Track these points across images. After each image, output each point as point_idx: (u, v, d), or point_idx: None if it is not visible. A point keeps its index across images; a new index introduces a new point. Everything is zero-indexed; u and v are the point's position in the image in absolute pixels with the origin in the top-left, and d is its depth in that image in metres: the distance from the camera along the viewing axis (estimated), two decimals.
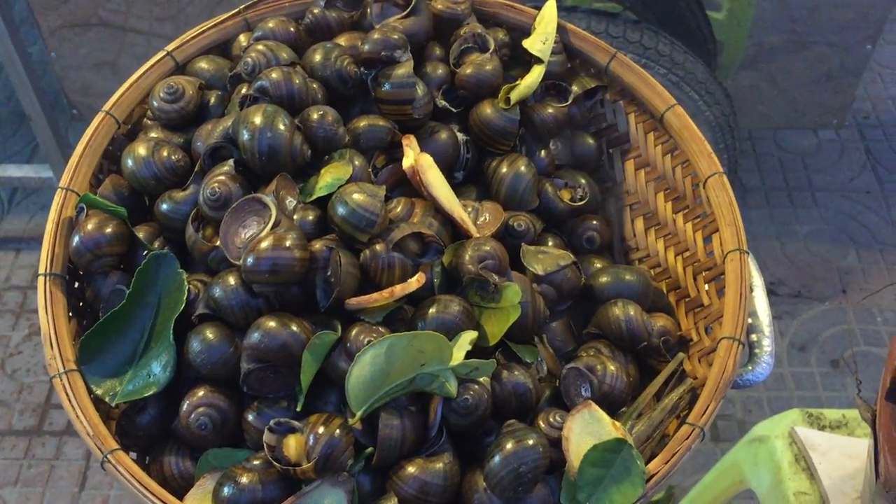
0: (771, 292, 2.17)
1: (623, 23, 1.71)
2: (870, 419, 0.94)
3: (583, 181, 0.96)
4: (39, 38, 1.91)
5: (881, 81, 2.66)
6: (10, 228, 2.26)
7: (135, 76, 0.92)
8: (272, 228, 0.77)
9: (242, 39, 0.96)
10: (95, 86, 1.99)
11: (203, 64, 0.94)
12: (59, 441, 1.89)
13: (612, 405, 0.80)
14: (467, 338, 0.76)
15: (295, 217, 0.81)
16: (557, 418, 0.77)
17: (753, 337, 0.89)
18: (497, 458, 0.73)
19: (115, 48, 1.91)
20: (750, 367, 0.87)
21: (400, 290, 0.77)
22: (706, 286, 0.90)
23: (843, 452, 1.11)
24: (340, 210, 0.79)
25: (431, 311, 0.78)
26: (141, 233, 0.85)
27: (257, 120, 0.81)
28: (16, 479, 1.84)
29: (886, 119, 2.57)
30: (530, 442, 0.73)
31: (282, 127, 0.81)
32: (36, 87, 1.98)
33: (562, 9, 1.70)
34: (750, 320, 0.90)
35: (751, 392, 2.01)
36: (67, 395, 0.76)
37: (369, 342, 0.74)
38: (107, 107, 0.90)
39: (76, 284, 0.86)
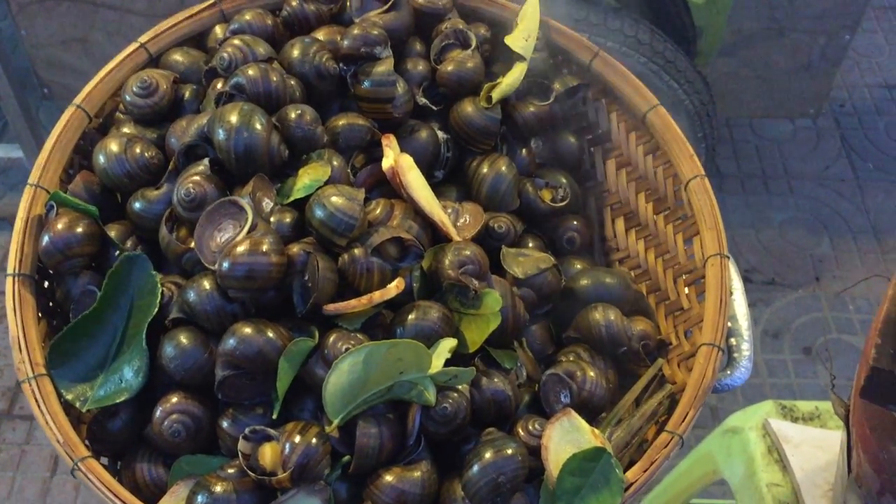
0: (745, 279, 2.18)
1: (604, 10, 1.70)
2: (843, 415, 0.94)
3: (564, 181, 0.95)
4: (9, 14, 1.86)
5: (857, 70, 2.67)
6: None
7: (107, 68, 0.90)
8: (248, 232, 0.75)
9: (218, 31, 0.94)
10: (66, 64, 1.94)
11: (177, 56, 0.92)
12: (29, 425, 1.87)
13: (592, 411, 0.80)
14: (446, 346, 0.75)
15: (272, 219, 0.79)
16: (536, 426, 0.77)
17: (732, 341, 0.89)
18: (475, 468, 0.72)
19: (87, 24, 1.87)
20: (728, 372, 0.87)
21: (379, 296, 0.76)
22: (686, 289, 0.90)
23: (815, 444, 1.11)
24: (318, 213, 0.77)
25: (410, 317, 0.77)
26: (113, 231, 0.83)
27: (233, 119, 0.79)
28: None
29: (862, 107, 2.58)
30: (509, 451, 0.73)
31: (258, 126, 0.79)
32: (5, 65, 1.93)
33: None
34: (729, 324, 0.89)
35: None
36: (37, 400, 0.74)
37: (347, 350, 0.73)
38: (77, 100, 0.87)
39: (46, 284, 0.84)
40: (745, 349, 0.88)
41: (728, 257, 0.85)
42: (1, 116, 2.25)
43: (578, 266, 0.92)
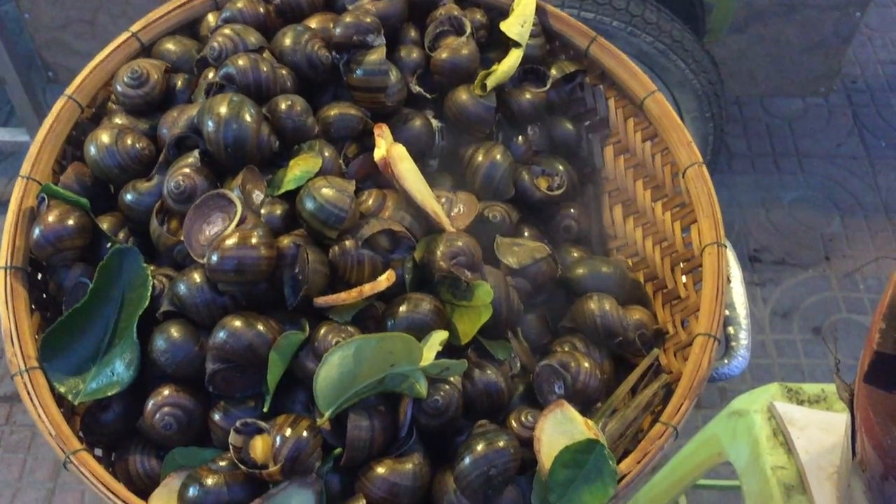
0: (755, 259, 2.17)
1: None
2: (847, 399, 0.94)
3: (561, 168, 0.94)
4: None
5: (870, 45, 2.63)
6: None
7: (98, 58, 0.89)
8: (237, 225, 0.75)
9: (210, 19, 0.93)
10: (71, 46, 1.94)
11: (169, 45, 0.91)
12: None
13: (586, 402, 0.80)
14: (438, 338, 0.74)
15: (262, 211, 0.78)
16: (529, 418, 0.77)
17: (730, 329, 0.88)
18: (467, 461, 0.72)
19: (91, 6, 1.86)
20: (726, 361, 0.87)
21: (369, 289, 0.75)
22: (683, 278, 0.89)
23: (820, 427, 1.11)
24: (309, 205, 0.77)
25: (402, 309, 0.76)
26: (105, 223, 0.83)
27: (223, 110, 0.78)
28: None
29: (874, 84, 2.54)
30: (501, 444, 0.73)
31: (248, 118, 0.78)
32: (10, 48, 1.93)
33: None
34: (727, 312, 0.89)
35: None
36: (29, 393, 0.75)
37: (337, 343, 0.72)
38: (69, 91, 0.87)
39: (39, 276, 0.84)
40: (743, 338, 0.87)
41: (725, 246, 0.84)
42: (6, 101, 2.25)
43: (575, 255, 0.91)
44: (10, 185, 2.23)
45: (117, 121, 0.87)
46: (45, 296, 0.84)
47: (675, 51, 1.75)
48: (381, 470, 0.72)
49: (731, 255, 0.89)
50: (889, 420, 0.84)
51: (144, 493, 0.74)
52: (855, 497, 0.95)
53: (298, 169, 0.79)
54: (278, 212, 0.79)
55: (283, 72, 0.85)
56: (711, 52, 1.87)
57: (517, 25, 0.92)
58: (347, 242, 0.77)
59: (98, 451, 0.79)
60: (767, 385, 1.18)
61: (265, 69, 0.82)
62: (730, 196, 2.25)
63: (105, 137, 0.83)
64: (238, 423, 0.73)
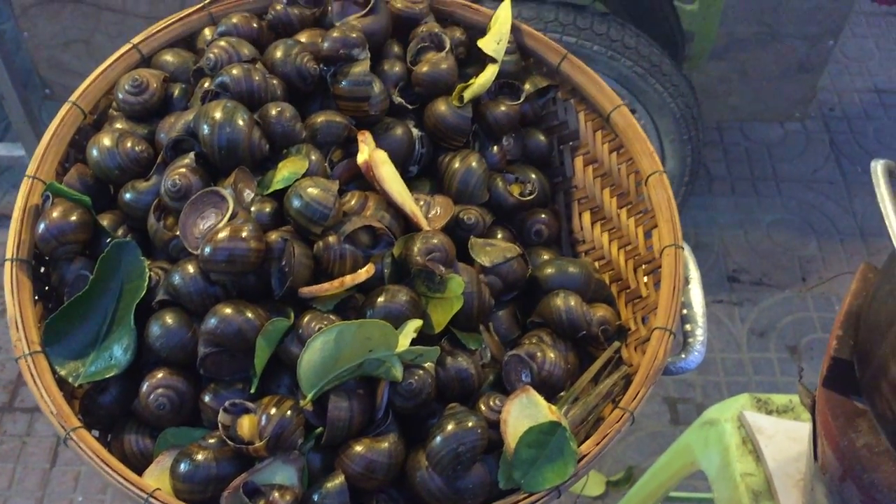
0: (733, 279, 2.23)
1: (591, 15, 1.75)
2: (809, 405, 0.99)
3: (533, 176, 1.00)
4: (11, 16, 1.91)
5: (848, 74, 2.71)
6: None
7: (101, 68, 0.95)
8: (229, 220, 0.81)
9: (207, 33, 1.00)
10: (68, 64, 1.99)
11: (168, 57, 0.98)
12: (30, 417, 1.91)
13: (551, 390, 0.85)
14: (412, 326, 0.80)
15: (252, 209, 0.84)
16: (497, 402, 0.82)
17: (688, 327, 0.94)
18: (438, 439, 0.78)
19: (90, 26, 1.92)
20: (683, 356, 0.92)
21: (350, 280, 0.81)
22: (645, 278, 0.95)
23: (788, 436, 1.16)
24: (295, 203, 0.83)
25: (380, 299, 0.82)
26: (105, 220, 0.89)
27: (217, 115, 0.84)
28: None
29: (851, 111, 2.62)
30: (470, 424, 0.78)
31: (241, 122, 0.85)
32: (8, 65, 1.98)
33: None
34: (685, 311, 0.95)
35: (710, 377, 2.06)
36: (32, 375, 0.80)
37: (320, 329, 0.78)
38: (73, 98, 0.93)
39: (42, 269, 0.89)
40: (700, 335, 0.93)
41: (682, 248, 0.90)
42: (3, 116, 2.30)
43: (545, 256, 0.97)
44: (5, 199, 2.28)
45: (118, 126, 0.93)
46: (47, 288, 0.89)
47: (654, 75, 1.82)
48: (359, 448, 0.78)
49: (689, 258, 0.95)
50: (846, 423, 0.89)
51: (138, 470, 0.79)
52: (818, 500, 0.99)
53: (286, 170, 0.86)
54: (267, 209, 0.85)
55: (275, 81, 0.92)
56: (690, 77, 1.93)
57: (493, 43, 0.98)
58: (331, 238, 0.83)
59: (95, 433, 0.84)
60: (738, 395, 1.23)
61: (257, 78, 0.89)
62: (709, 218, 2.32)
63: (106, 140, 0.89)
64: (227, 404, 0.78)
